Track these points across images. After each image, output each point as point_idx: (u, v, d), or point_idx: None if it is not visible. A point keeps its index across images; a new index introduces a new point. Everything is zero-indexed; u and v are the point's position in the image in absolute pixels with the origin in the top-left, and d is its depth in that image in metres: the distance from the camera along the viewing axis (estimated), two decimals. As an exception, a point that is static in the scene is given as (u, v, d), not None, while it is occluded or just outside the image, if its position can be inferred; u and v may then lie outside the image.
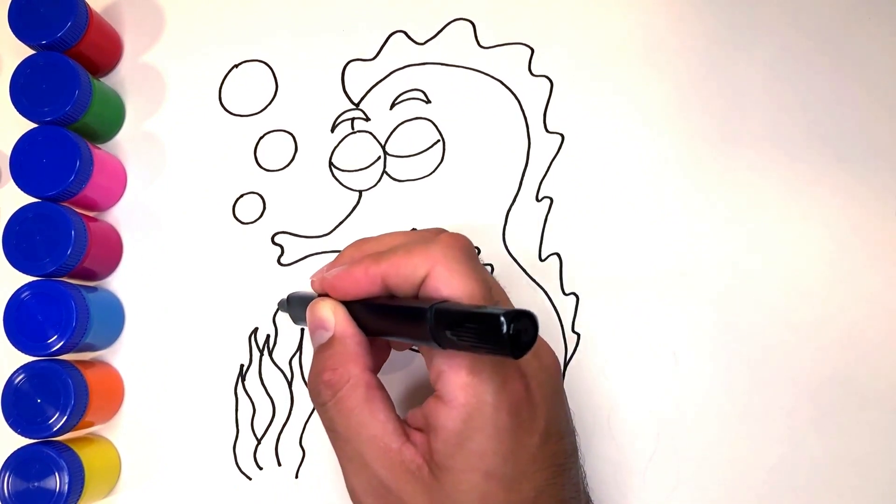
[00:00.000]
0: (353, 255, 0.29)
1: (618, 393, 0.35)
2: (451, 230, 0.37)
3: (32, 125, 0.37)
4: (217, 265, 0.39)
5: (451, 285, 0.25)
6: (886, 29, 0.37)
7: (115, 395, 0.37)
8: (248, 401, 0.37)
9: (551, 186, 0.38)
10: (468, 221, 0.38)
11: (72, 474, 0.34)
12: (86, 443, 0.36)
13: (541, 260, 0.37)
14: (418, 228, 0.38)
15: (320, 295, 0.30)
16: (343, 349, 0.28)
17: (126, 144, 0.41)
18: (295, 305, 0.32)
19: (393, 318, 0.27)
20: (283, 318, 0.38)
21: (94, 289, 0.38)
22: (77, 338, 0.35)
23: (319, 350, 0.28)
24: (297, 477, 0.36)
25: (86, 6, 0.39)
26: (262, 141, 0.40)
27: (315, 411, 0.37)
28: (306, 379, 0.36)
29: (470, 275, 0.26)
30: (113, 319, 0.38)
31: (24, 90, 0.37)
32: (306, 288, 0.38)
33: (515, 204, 0.38)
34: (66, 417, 0.34)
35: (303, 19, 0.41)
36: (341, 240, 0.38)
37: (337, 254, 0.38)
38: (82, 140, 0.37)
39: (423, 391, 0.36)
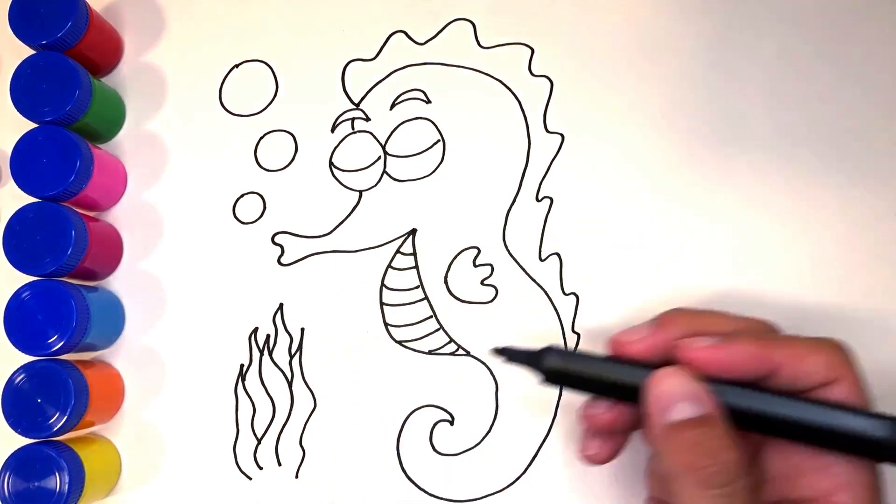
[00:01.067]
0: (689, 324, 0.27)
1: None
2: (454, 230, 0.37)
3: (32, 125, 0.37)
4: (217, 265, 0.39)
5: (860, 401, 0.25)
6: (886, 29, 0.37)
7: (115, 395, 0.37)
8: (248, 401, 0.37)
9: (551, 186, 0.38)
10: (468, 221, 0.38)
11: (72, 474, 0.34)
12: (86, 443, 0.36)
13: (541, 260, 0.37)
14: (418, 229, 0.38)
15: (641, 365, 0.27)
16: (719, 432, 0.25)
17: (126, 144, 0.41)
18: (565, 368, 0.28)
19: (796, 418, 0.25)
20: (285, 317, 0.38)
21: (95, 289, 0.38)
22: (77, 338, 0.35)
23: (693, 425, 0.25)
24: (297, 477, 0.36)
25: (86, 6, 0.39)
26: (262, 141, 0.40)
27: (312, 414, 0.37)
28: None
29: (867, 394, 0.25)
30: (113, 319, 0.38)
31: (25, 90, 0.37)
32: (307, 289, 0.38)
33: (515, 204, 0.38)
34: (66, 417, 0.34)
35: (303, 19, 0.41)
36: (341, 240, 0.38)
37: (339, 253, 0.38)
38: (82, 140, 0.37)
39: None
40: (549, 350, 0.28)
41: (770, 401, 0.26)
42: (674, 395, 0.25)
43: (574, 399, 0.35)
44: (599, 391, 0.28)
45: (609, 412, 0.29)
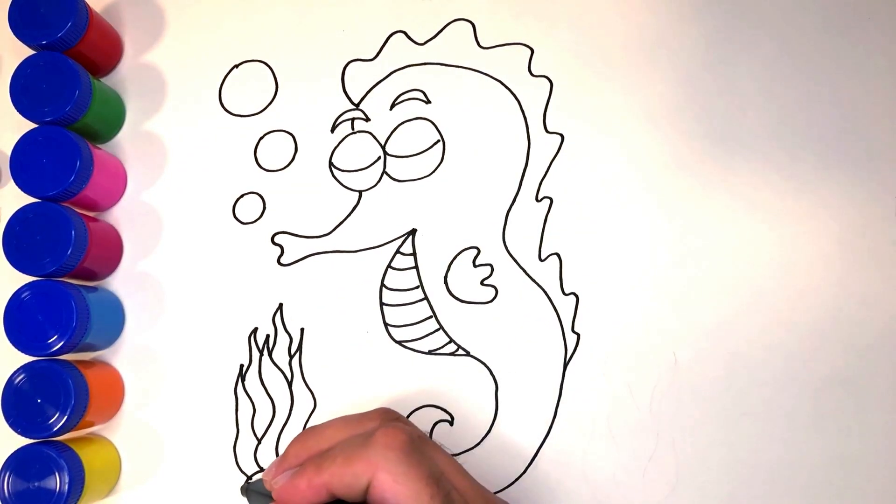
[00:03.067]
0: (299, 454, 0.29)
1: (618, 393, 0.35)
2: (454, 230, 0.37)
3: (32, 125, 0.37)
4: (217, 265, 0.39)
5: (396, 493, 0.25)
6: (886, 29, 0.37)
7: (115, 395, 0.37)
8: (248, 401, 0.37)
9: (551, 186, 0.38)
10: (468, 221, 0.38)
11: (72, 474, 0.34)
12: (86, 443, 0.36)
13: (541, 260, 0.37)
14: (418, 229, 0.38)
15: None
16: None
17: (126, 144, 0.41)
18: (254, 497, 0.31)
19: None
20: (285, 317, 0.38)
21: (94, 289, 0.38)
22: (77, 338, 0.35)
23: None
24: (297, 477, 0.36)
25: (86, 6, 0.39)
26: (262, 141, 0.40)
27: (312, 414, 0.37)
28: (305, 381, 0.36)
29: (414, 476, 0.25)
30: (113, 319, 0.38)
31: (25, 90, 0.37)
32: (307, 289, 0.38)
33: (515, 204, 0.38)
34: (66, 417, 0.34)
35: (303, 19, 0.41)
36: (341, 240, 0.38)
37: (339, 253, 0.38)
38: (82, 140, 0.37)
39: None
40: (246, 486, 0.31)
41: None
42: None
43: (575, 399, 0.35)
44: None
45: None
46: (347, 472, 0.26)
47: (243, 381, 0.37)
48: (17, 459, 0.34)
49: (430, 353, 0.37)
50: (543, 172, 0.38)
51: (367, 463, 0.26)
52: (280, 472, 0.29)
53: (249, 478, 0.36)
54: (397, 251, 0.38)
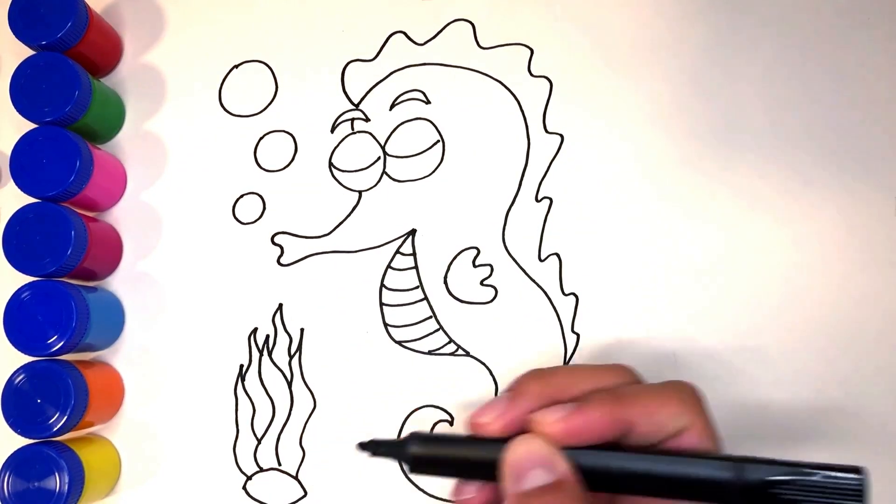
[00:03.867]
0: (543, 393, 0.27)
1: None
2: (454, 230, 0.37)
3: (32, 125, 0.37)
4: (217, 265, 0.39)
5: (708, 441, 0.25)
6: (886, 29, 0.37)
7: (115, 395, 0.37)
8: (248, 401, 0.37)
9: (551, 186, 0.38)
10: (468, 222, 0.38)
11: (72, 474, 0.34)
12: (86, 443, 0.36)
13: (540, 260, 0.37)
14: (418, 229, 0.38)
15: (500, 441, 0.26)
16: (576, 495, 0.25)
17: (126, 144, 0.41)
18: (428, 455, 0.27)
19: (660, 465, 0.25)
20: (285, 317, 0.38)
21: (94, 289, 0.38)
22: (77, 338, 0.35)
23: (544, 492, 0.25)
24: (297, 477, 0.36)
25: (86, 6, 0.39)
26: (262, 141, 0.40)
27: (312, 414, 0.37)
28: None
29: (717, 433, 0.25)
30: (113, 319, 0.38)
31: (24, 90, 0.37)
32: (307, 289, 0.38)
33: (515, 204, 0.38)
34: (66, 417, 0.34)
35: (303, 19, 0.41)
36: (341, 240, 0.38)
37: (339, 254, 0.38)
38: (82, 140, 0.37)
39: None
40: (412, 437, 0.27)
41: (623, 458, 0.26)
42: (526, 463, 0.25)
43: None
44: (466, 474, 0.28)
45: (479, 495, 0.28)
46: (662, 411, 0.25)
47: (243, 381, 0.37)
48: (17, 459, 0.34)
49: (429, 353, 0.37)
50: (543, 172, 0.38)
51: (683, 407, 0.25)
52: (521, 410, 0.26)
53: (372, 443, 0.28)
54: (397, 251, 0.38)
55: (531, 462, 0.25)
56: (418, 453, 0.27)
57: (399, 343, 0.37)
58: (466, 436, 0.27)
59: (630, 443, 0.26)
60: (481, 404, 0.28)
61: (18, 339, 0.35)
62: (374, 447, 0.27)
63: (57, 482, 0.33)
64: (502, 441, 0.26)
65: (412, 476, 0.28)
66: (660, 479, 0.25)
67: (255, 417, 0.37)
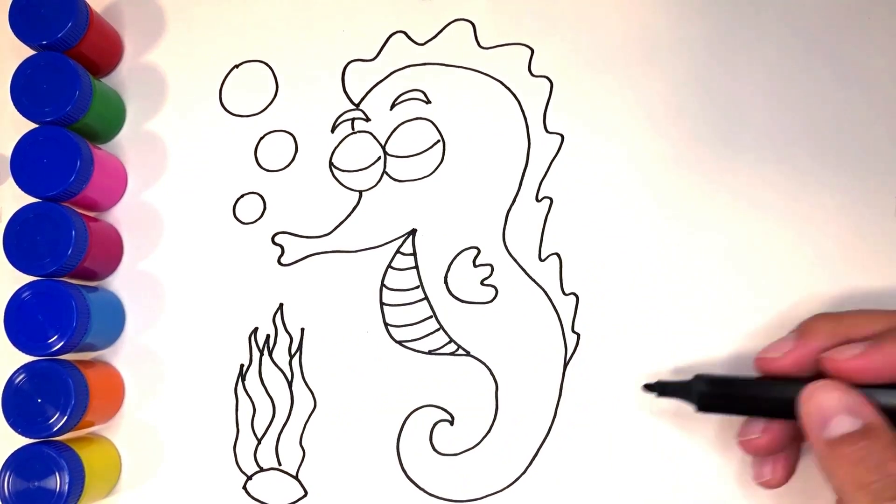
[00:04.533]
0: (835, 332, 0.26)
1: (618, 393, 0.35)
2: (454, 230, 0.37)
3: (33, 125, 0.37)
4: (217, 265, 0.39)
5: None
6: (886, 29, 0.37)
7: (115, 395, 0.37)
8: (248, 401, 0.37)
9: (551, 186, 0.38)
10: (468, 221, 0.38)
11: (72, 474, 0.34)
12: (86, 443, 0.36)
13: (541, 260, 0.37)
14: (418, 229, 0.38)
15: (790, 381, 0.26)
16: (886, 440, 0.24)
17: (126, 144, 0.41)
18: (716, 388, 0.28)
19: None
20: (285, 317, 0.38)
21: (95, 289, 0.38)
22: (77, 338, 0.35)
23: (854, 439, 0.24)
24: (297, 477, 0.36)
25: (86, 6, 0.39)
26: (262, 141, 0.40)
27: (312, 414, 0.37)
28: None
29: None
30: (113, 319, 0.38)
31: (25, 90, 0.37)
32: (307, 289, 0.38)
33: (515, 204, 0.38)
34: (66, 417, 0.34)
35: (303, 19, 0.41)
36: (341, 240, 0.38)
37: (339, 253, 0.38)
38: (83, 140, 0.37)
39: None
40: (698, 379, 0.29)
41: None
42: (829, 410, 0.25)
43: (575, 399, 0.35)
44: (753, 412, 0.29)
45: (765, 435, 0.28)
46: None
47: (243, 380, 0.37)
48: (17, 459, 0.34)
49: (430, 353, 0.37)
50: (543, 172, 0.38)
51: None
52: (812, 347, 0.26)
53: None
54: (397, 251, 0.38)
55: (836, 408, 0.25)
56: (705, 391, 0.28)
57: (399, 343, 0.37)
58: (752, 376, 0.28)
59: None
60: (769, 344, 0.28)
61: (18, 339, 0.35)
62: (661, 388, 0.30)
63: (57, 482, 0.33)
64: (793, 381, 0.26)
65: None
66: None
67: (256, 417, 0.37)
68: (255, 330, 0.38)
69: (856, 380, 0.25)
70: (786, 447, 0.29)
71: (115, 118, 0.41)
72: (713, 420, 0.34)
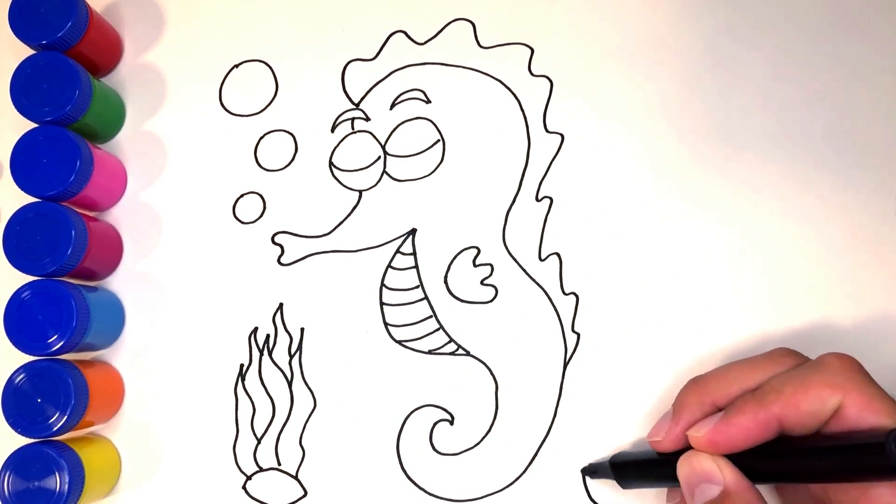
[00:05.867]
0: (701, 402, 0.28)
1: (618, 393, 0.35)
2: (454, 230, 0.37)
3: (32, 125, 0.37)
4: (217, 265, 0.39)
5: (870, 414, 0.24)
6: (886, 29, 0.37)
7: (115, 395, 0.37)
8: (248, 401, 0.37)
9: (551, 186, 0.38)
10: (468, 221, 0.38)
11: (72, 474, 0.34)
12: (86, 443, 0.36)
13: (541, 260, 0.37)
14: (418, 229, 0.38)
15: (679, 454, 0.28)
16: (746, 499, 0.26)
17: (126, 144, 0.41)
18: (627, 470, 0.32)
19: (817, 460, 0.26)
20: (285, 317, 0.38)
21: (95, 289, 0.38)
22: (77, 338, 0.35)
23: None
24: (297, 477, 0.36)
25: (86, 6, 0.39)
26: (262, 141, 0.40)
27: (312, 414, 0.37)
28: (298, 380, 0.35)
29: (885, 396, 0.25)
30: (113, 319, 0.38)
31: (24, 90, 0.37)
32: (307, 289, 0.38)
33: (515, 204, 0.38)
34: (66, 417, 0.34)
35: (303, 19, 0.41)
36: (341, 240, 0.38)
37: (339, 253, 0.38)
38: (82, 140, 0.37)
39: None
40: (612, 462, 0.32)
41: (783, 456, 0.27)
42: (692, 480, 0.27)
43: (575, 399, 0.35)
44: (663, 484, 0.32)
45: (683, 500, 0.30)
46: (806, 398, 0.25)
47: (243, 380, 0.37)
48: (17, 459, 0.34)
49: (430, 352, 0.37)
50: (543, 172, 0.38)
51: (830, 387, 0.25)
52: (681, 425, 0.28)
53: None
54: (397, 251, 0.38)
55: (697, 478, 0.27)
56: (621, 474, 0.32)
57: (399, 342, 0.37)
58: (655, 454, 0.31)
59: (792, 434, 0.26)
60: (654, 425, 0.31)
61: (18, 339, 0.35)
62: (591, 471, 0.34)
63: (57, 482, 0.33)
64: (680, 454, 0.29)
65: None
66: (829, 468, 0.25)
67: (255, 417, 0.37)
68: (255, 330, 0.38)
69: (717, 453, 0.27)
70: None
71: (114, 118, 0.41)
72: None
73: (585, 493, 0.34)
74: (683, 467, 0.28)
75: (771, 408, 0.26)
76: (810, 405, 0.25)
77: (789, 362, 0.28)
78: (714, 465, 0.27)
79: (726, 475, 0.27)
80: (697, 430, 0.28)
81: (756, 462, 0.27)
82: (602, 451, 0.35)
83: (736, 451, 0.27)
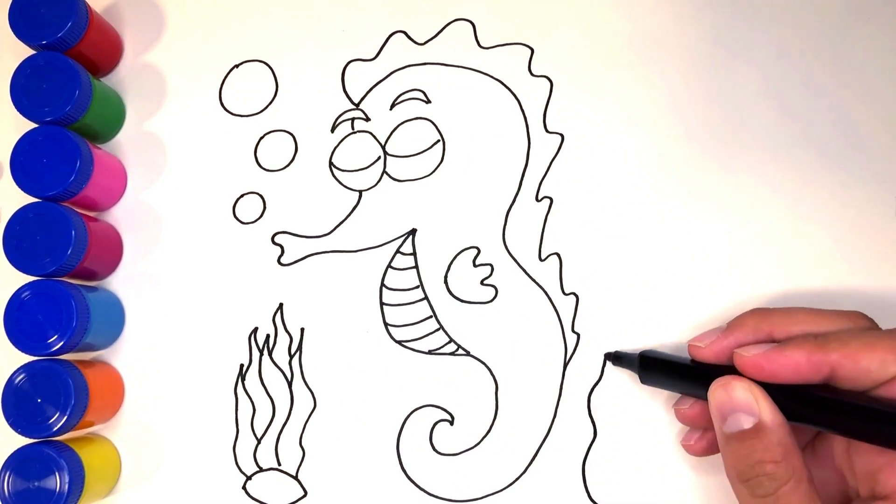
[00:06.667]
0: (759, 328, 0.28)
1: (618, 393, 0.35)
2: (454, 230, 0.37)
3: (32, 125, 0.37)
4: (217, 265, 0.39)
5: None
6: (886, 29, 0.37)
7: (115, 395, 0.37)
8: (248, 401, 0.37)
9: (551, 186, 0.38)
10: (468, 221, 0.38)
11: (72, 474, 0.34)
12: (86, 443, 0.36)
13: (541, 260, 0.37)
14: (418, 229, 0.38)
15: (713, 367, 0.28)
16: (779, 439, 0.26)
17: (126, 144, 0.41)
18: (654, 365, 0.32)
19: (860, 417, 0.26)
20: (285, 317, 0.38)
21: (95, 289, 0.38)
22: (77, 338, 0.35)
23: (744, 436, 0.26)
24: (297, 477, 0.36)
25: (86, 6, 0.39)
26: (262, 141, 0.40)
27: (312, 414, 0.37)
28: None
29: None
30: (113, 319, 0.38)
31: (25, 90, 0.37)
32: (307, 289, 0.38)
33: (515, 204, 0.38)
34: (66, 417, 0.34)
35: (303, 19, 0.41)
36: (341, 240, 0.38)
37: (339, 253, 0.38)
38: (82, 140, 0.37)
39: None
40: (643, 355, 0.33)
41: (825, 404, 0.26)
42: (727, 406, 0.27)
43: (575, 399, 0.35)
44: (683, 390, 0.32)
45: (692, 408, 0.31)
46: (870, 356, 0.25)
47: (243, 380, 0.37)
48: (17, 459, 0.34)
49: (430, 353, 0.37)
50: (543, 172, 0.38)
51: (894, 354, 0.25)
52: (730, 341, 0.28)
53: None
54: (397, 251, 0.38)
55: (732, 406, 0.27)
56: (646, 366, 0.32)
57: (399, 343, 0.37)
58: (689, 360, 0.31)
59: (839, 386, 0.26)
60: (702, 332, 0.31)
61: (18, 339, 0.35)
62: (615, 357, 0.34)
63: (57, 482, 0.33)
64: (719, 369, 0.29)
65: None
66: (866, 428, 0.26)
67: (255, 417, 0.37)
68: (255, 330, 0.38)
69: (757, 378, 0.27)
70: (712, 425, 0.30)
71: (114, 118, 0.41)
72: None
73: (585, 493, 0.34)
74: (718, 392, 0.27)
75: (830, 354, 0.26)
76: (871, 363, 0.25)
77: (861, 322, 0.28)
78: (751, 397, 0.26)
79: (763, 408, 0.26)
80: (747, 350, 0.27)
81: (792, 401, 0.27)
82: (602, 451, 0.35)
83: (777, 381, 0.27)
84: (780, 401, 0.27)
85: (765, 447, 0.26)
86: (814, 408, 0.27)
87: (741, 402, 0.27)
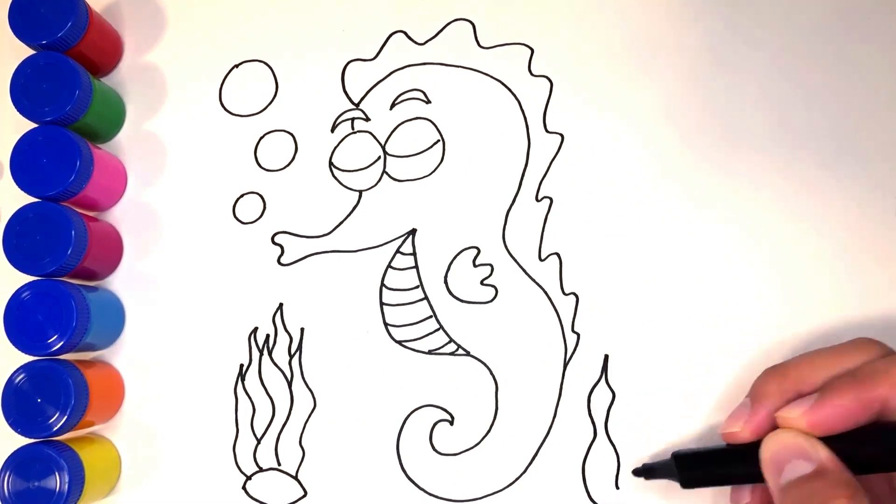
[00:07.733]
0: (782, 390, 0.27)
1: (617, 393, 0.35)
2: (454, 230, 0.37)
3: (32, 125, 0.37)
4: (217, 265, 0.39)
5: None
6: (886, 29, 0.37)
7: (115, 395, 0.37)
8: (248, 401, 0.37)
9: (551, 186, 0.38)
10: (468, 221, 0.38)
11: (72, 474, 0.34)
12: (86, 443, 0.36)
13: (541, 260, 0.37)
14: (418, 229, 0.38)
15: (757, 444, 0.27)
16: (846, 479, 0.24)
17: (126, 144, 0.41)
18: (694, 465, 0.29)
19: None
20: (285, 317, 0.38)
21: (95, 289, 0.38)
22: (77, 338, 0.35)
23: (805, 481, 0.25)
24: (296, 477, 0.36)
25: (86, 6, 0.39)
26: (262, 141, 0.40)
27: (312, 414, 0.37)
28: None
29: None
30: (113, 319, 0.38)
31: (25, 90, 0.37)
32: (307, 289, 0.38)
33: (515, 204, 0.38)
34: (66, 417, 0.34)
35: (303, 19, 0.41)
36: (341, 240, 0.38)
37: (339, 253, 0.38)
38: (82, 140, 0.37)
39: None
40: (676, 458, 0.30)
41: (885, 439, 0.25)
42: (782, 456, 0.26)
43: (575, 399, 0.35)
44: (734, 482, 0.30)
45: (754, 498, 0.29)
46: None
47: (243, 380, 0.37)
48: (17, 459, 0.34)
49: (430, 352, 0.37)
50: (543, 172, 0.38)
51: None
52: (763, 414, 0.27)
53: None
54: (397, 251, 0.38)
55: (788, 454, 0.25)
56: (686, 471, 0.30)
57: (399, 343, 0.37)
58: (724, 447, 0.29)
59: (890, 419, 0.25)
60: (728, 416, 0.29)
61: (18, 339, 0.35)
62: (647, 471, 0.31)
63: (57, 482, 0.33)
64: (757, 444, 0.27)
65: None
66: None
67: (255, 417, 0.37)
68: (255, 330, 0.38)
69: (819, 430, 0.26)
70: None
71: (115, 118, 0.41)
72: (722, 416, 0.34)
73: (585, 494, 0.34)
74: (770, 444, 0.26)
75: (877, 388, 0.25)
76: None
77: (877, 350, 0.27)
78: (806, 442, 0.25)
79: (821, 452, 0.25)
80: (790, 412, 0.26)
81: (849, 447, 0.25)
82: (601, 452, 0.35)
83: (832, 433, 0.26)
84: (834, 449, 0.26)
85: (830, 486, 0.24)
86: (870, 451, 0.26)
87: (798, 447, 0.25)
